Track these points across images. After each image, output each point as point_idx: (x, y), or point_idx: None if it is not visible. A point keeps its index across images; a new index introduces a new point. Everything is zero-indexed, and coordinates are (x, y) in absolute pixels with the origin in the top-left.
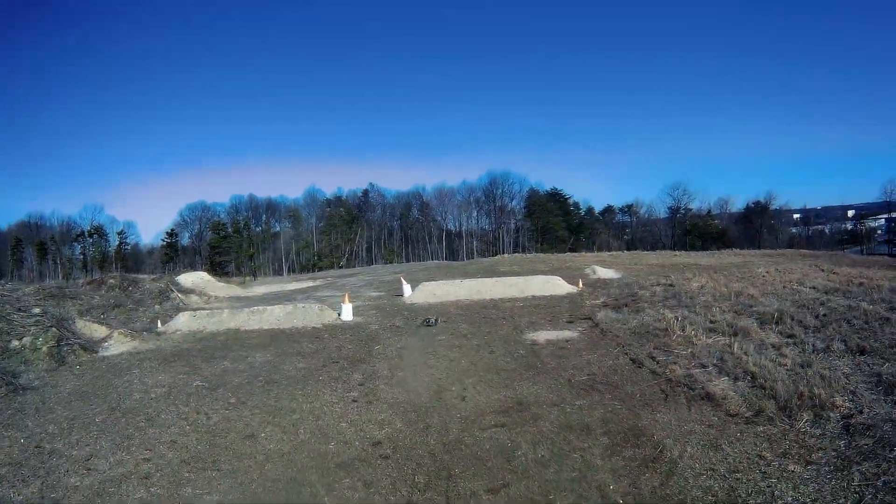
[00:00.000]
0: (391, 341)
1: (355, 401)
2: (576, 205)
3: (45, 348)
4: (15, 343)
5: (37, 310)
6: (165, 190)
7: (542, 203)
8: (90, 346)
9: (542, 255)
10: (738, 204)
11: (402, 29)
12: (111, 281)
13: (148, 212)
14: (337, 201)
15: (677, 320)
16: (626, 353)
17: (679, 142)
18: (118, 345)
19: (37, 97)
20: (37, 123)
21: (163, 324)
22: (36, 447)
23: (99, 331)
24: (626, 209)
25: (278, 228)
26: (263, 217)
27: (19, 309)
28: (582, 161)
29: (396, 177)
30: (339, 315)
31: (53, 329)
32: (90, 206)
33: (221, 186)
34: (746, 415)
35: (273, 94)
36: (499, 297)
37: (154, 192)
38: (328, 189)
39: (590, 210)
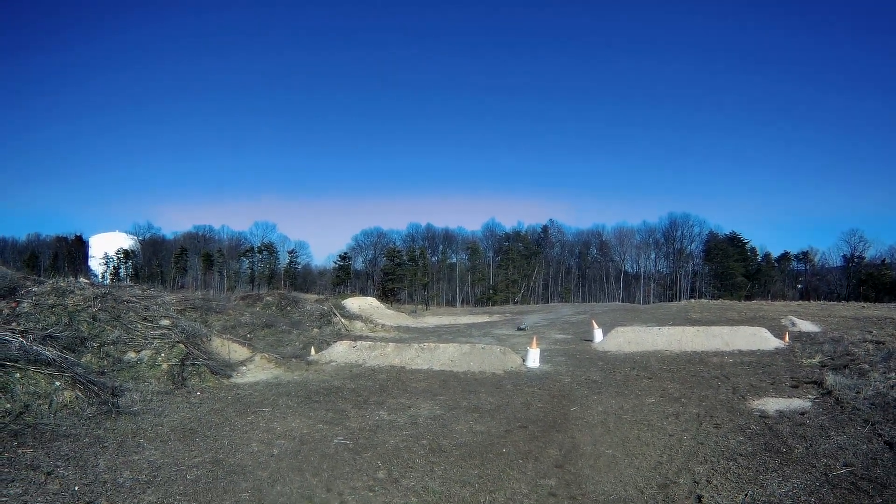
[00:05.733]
0: (590, 401)
1: (553, 494)
2: (753, 250)
3: (164, 365)
4: (131, 355)
5: (165, 321)
6: (341, 214)
7: (721, 247)
8: (221, 370)
9: (728, 301)
10: None
11: (585, 69)
12: (268, 298)
13: (322, 234)
14: (516, 236)
15: None
16: (879, 435)
17: (853, 186)
18: (257, 371)
19: (216, 117)
20: (214, 142)
21: (317, 351)
22: None
23: (239, 352)
24: (800, 256)
25: (454, 259)
26: (440, 247)
27: (145, 318)
28: (758, 203)
29: (577, 213)
30: (523, 360)
31: (180, 345)
32: (262, 223)
33: (399, 214)
34: None
35: (456, 128)
36: (701, 349)
37: (330, 215)
38: (507, 223)
39: (766, 256)
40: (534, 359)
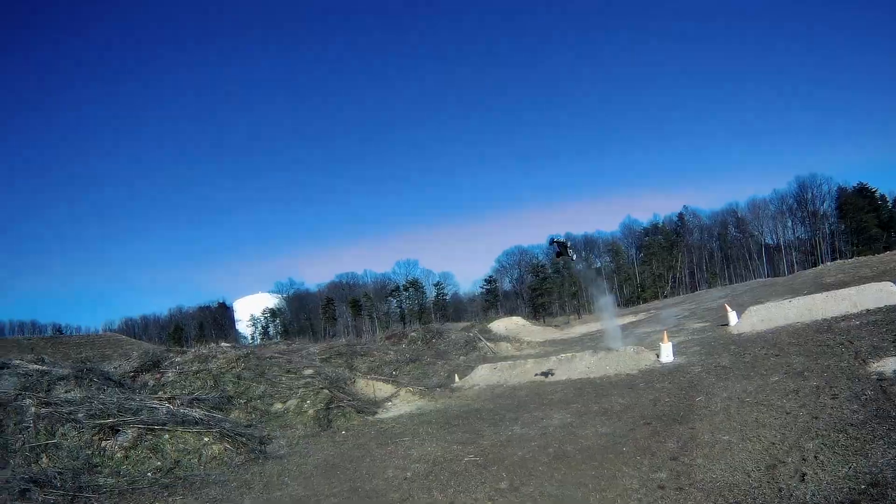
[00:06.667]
0: (716, 388)
1: (662, 487)
2: (882, 198)
3: (310, 411)
4: (277, 406)
5: (309, 371)
6: (481, 238)
7: (851, 201)
8: (366, 408)
9: (862, 258)
10: None
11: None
12: (413, 334)
13: (465, 261)
14: (654, 229)
15: None
16: None
17: None
18: (402, 404)
19: (336, 164)
20: (341, 189)
21: (460, 377)
22: None
23: (383, 389)
24: None
25: (599, 264)
26: (583, 254)
27: (289, 371)
28: (878, 146)
29: (708, 195)
30: (657, 356)
31: (325, 391)
32: (403, 261)
33: (537, 228)
34: None
35: (580, 129)
36: (831, 315)
37: (470, 241)
38: (643, 217)
39: None
40: (667, 353)
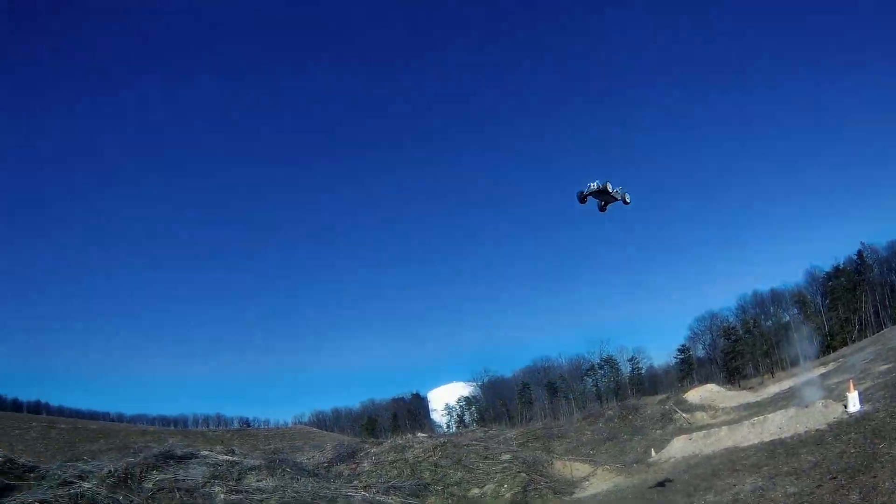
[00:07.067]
0: None
1: None
2: None
3: (508, 495)
4: (475, 491)
5: (506, 456)
6: (670, 307)
7: None
8: (563, 489)
9: None
10: None
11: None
12: (609, 412)
13: (658, 332)
14: (836, 272)
15: None
16: None
17: None
18: (599, 483)
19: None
20: (530, 275)
21: (657, 452)
22: None
23: (581, 469)
24: None
25: (787, 317)
26: (771, 309)
27: (486, 457)
28: None
29: (880, 224)
30: (845, 407)
31: (522, 474)
32: (597, 339)
33: (724, 289)
34: None
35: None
36: None
37: (659, 312)
38: (825, 263)
39: None
40: (854, 402)
